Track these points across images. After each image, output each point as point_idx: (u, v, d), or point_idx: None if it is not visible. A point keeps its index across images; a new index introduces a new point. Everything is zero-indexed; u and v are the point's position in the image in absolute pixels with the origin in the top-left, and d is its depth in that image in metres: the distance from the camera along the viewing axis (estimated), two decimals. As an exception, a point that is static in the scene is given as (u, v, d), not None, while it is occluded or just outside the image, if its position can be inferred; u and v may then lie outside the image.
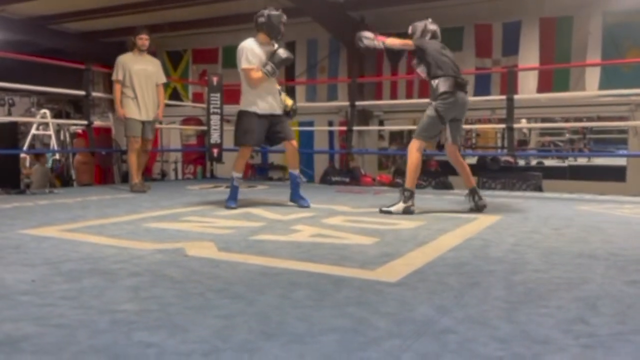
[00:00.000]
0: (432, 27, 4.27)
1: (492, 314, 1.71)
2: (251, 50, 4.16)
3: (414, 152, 4.11)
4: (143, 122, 5.65)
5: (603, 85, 7.98)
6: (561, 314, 1.72)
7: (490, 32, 8.93)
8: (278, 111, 4.34)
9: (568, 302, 1.85)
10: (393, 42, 4.27)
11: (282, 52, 4.22)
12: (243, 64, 4.16)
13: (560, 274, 2.23)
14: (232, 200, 4.32)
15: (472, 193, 4.23)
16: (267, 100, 4.27)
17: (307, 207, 4.32)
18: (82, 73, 6.24)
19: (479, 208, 4.17)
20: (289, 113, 4.44)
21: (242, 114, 4.28)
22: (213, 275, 2.19)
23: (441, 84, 4.06)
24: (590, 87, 8.16)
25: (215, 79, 7.21)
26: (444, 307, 1.78)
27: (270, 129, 4.33)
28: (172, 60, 11.97)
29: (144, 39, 5.66)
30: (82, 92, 6.22)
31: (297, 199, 4.43)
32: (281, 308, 1.77)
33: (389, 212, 4.03)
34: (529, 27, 8.67)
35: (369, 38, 4.27)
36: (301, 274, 2.20)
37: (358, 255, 2.57)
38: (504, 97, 5.80)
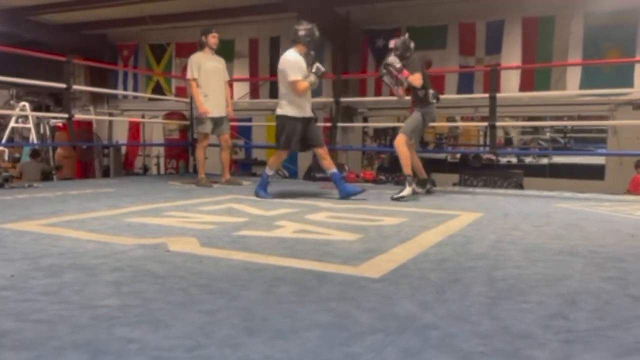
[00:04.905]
0: (412, 43, 4.75)
1: (473, 310, 1.73)
2: (298, 63, 4.51)
3: (402, 145, 4.66)
4: (216, 119, 5.76)
5: (584, 85, 8.10)
6: (541, 309, 1.75)
7: (474, 31, 9.01)
8: (310, 114, 4.69)
9: (548, 297, 1.88)
10: (413, 79, 4.59)
11: (321, 66, 4.61)
12: (291, 77, 4.49)
13: (541, 270, 2.26)
14: (263, 190, 4.63)
15: (425, 182, 5.03)
16: (306, 105, 4.65)
17: (363, 190, 4.70)
18: (63, 65, 6.15)
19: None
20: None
21: (285, 119, 4.55)
22: (196, 270, 2.18)
23: (430, 96, 4.66)
24: (571, 86, 8.28)
25: (198, 73, 7.14)
26: (426, 303, 1.79)
27: (304, 134, 4.60)
28: (155, 53, 11.85)
29: (216, 37, 5.80)
30: (63, 85, 6.12)
31: (349, 191, 4.66)
32: (264, 304, 1.77)
33: (402, 198, 4.54)
34: (512, 26, 8.77)
35: (395, 69, 4.64)
36: (284, 270, 2.20)
37: (341, 251, 2.57)
38: (486, 95, 5.85)
